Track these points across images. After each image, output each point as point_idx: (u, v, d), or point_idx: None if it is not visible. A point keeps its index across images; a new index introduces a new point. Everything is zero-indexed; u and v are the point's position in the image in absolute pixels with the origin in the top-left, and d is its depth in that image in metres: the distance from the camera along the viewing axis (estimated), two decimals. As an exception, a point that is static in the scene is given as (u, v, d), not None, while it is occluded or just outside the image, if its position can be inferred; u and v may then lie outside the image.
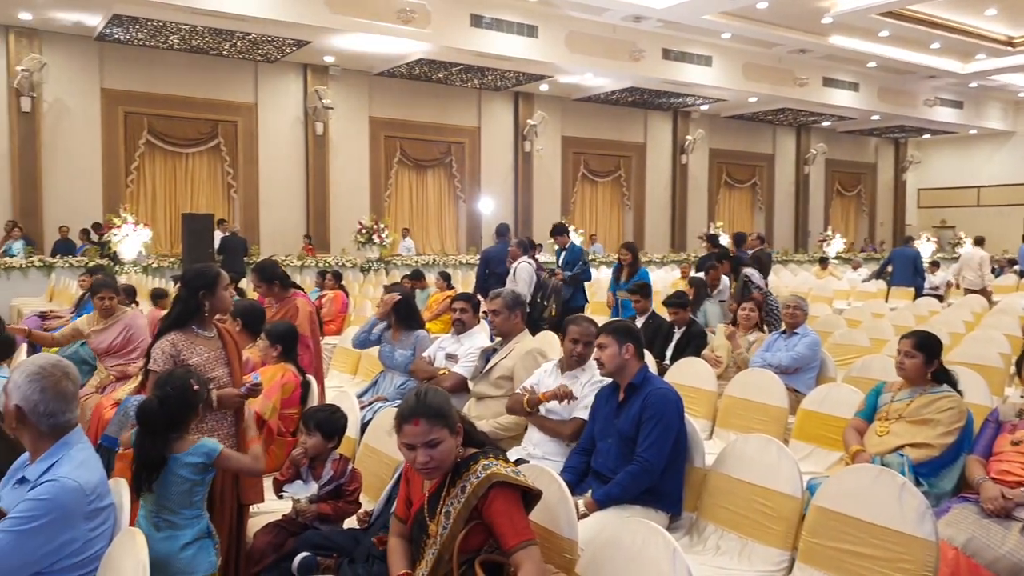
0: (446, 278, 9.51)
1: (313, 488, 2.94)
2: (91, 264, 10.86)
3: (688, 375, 4.75)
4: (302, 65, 16.35)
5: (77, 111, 14.56)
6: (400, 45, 14.73)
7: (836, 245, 21.64)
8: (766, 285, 7.71)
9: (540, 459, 3.46)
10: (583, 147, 20.70)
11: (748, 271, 7.35)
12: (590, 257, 13.41)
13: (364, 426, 3.68)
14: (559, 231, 8.65)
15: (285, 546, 2.75)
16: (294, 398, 3.89)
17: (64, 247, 13.52)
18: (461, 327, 4.65)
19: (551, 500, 2.49)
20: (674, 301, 6.09)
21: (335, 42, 14.54)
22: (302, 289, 5.45)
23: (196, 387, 2.55)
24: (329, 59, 16.00)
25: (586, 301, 8.46)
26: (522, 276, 6.89)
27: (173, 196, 15.96)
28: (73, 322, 5.89)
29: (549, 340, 5.27)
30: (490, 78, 17.30)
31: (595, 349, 3.35)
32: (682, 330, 6.04)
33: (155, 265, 13.32)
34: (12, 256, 12.43)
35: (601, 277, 12.13)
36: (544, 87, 18.49)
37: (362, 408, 4.07)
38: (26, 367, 2.18)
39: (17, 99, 13.68)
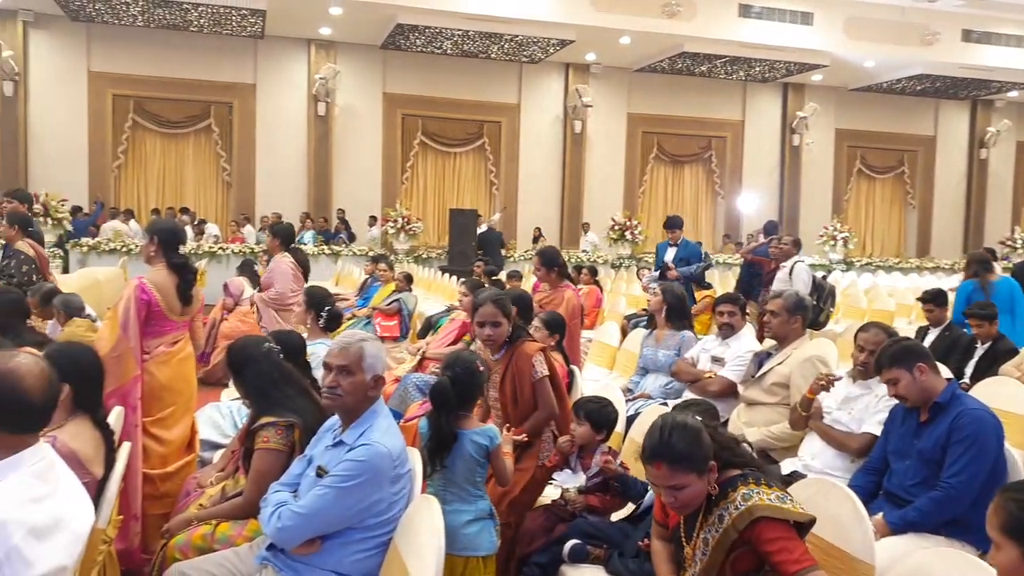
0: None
1: (581, 479, 2.93)
2: (374, 253, 11.91)
3: (995, 396, 4.08)
4: (564, 64, 16.72)
5: (363, 114, 16.14)
6: (663, 40, 14.54)
7: None
8: None
9: (819, 472, 3.18)
10: (860, 140, 19.11)
11: None
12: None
13: (629, 420, 3.61)
14: (674, 224, 7.91)
15: (555, 531, 2.76)
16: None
17: (334, 236, 14.99)
18: (729, 331, 4.40)
19: (844, 518, 2.28)
20: (978, 312, 5.29)
21: (598, 40, 14.68)
22: (574, 283, 5.60)
23: (481, 368, 2.67)
24: (591, 57, 16.20)
25: (693, 302, 7.31)
26: (800, 277, 6.36)
27: (441, 192, 17.16)
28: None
29: (828, 347, 4.85)
30: (757, 69, 16.51)
31: (889, 387, 2.97)
32: (986, 346, 5.25)
33: (424, 256, 14.35)
34: (304, 244, 14.01)
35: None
36: (817, 77, 17.29)
37: (627, 402, 4.02)
38: (372, 340, 2.36)
39: (315, 104, 15.49)
